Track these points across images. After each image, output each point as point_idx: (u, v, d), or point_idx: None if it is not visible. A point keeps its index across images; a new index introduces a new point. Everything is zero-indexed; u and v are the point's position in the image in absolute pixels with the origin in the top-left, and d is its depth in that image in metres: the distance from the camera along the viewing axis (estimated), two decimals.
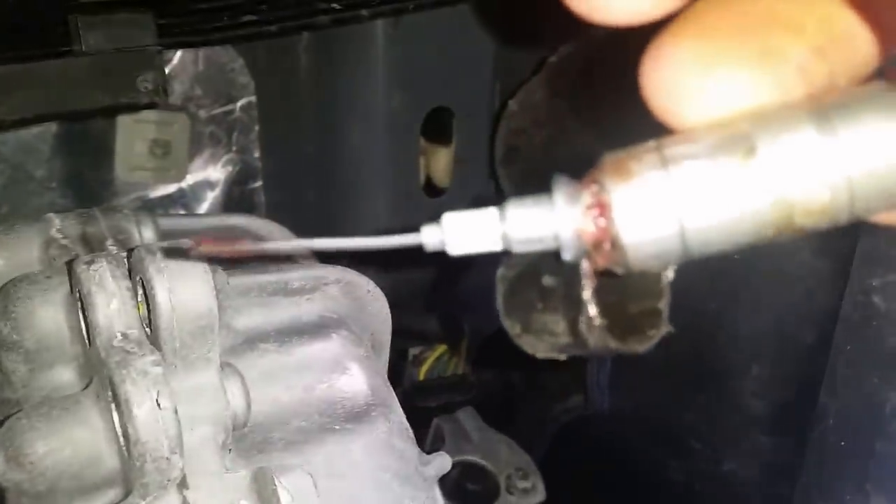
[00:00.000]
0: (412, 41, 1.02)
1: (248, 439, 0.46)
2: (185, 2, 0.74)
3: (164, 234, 0.54)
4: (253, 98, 1.11)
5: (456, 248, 0.27)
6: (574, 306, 0.28)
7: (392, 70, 1.02)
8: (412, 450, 0.54)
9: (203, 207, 1.12)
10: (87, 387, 0.41)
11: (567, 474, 1.17)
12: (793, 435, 0.80)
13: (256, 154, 1.14)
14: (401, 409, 0.57)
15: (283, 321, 0.53)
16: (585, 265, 0.26)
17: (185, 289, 0.40)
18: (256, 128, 1.13)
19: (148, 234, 0.50)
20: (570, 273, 0.27)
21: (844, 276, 0.69)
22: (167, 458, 0.38)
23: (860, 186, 0.23)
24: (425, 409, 1.13)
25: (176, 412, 0.39)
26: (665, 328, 0.29)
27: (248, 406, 0.43)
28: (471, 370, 1.21)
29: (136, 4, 0.71)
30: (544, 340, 0.29)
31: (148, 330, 0.41)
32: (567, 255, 0.25)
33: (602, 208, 0.24)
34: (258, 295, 0.52)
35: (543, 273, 0.28)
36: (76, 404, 0.40)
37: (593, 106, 0.96)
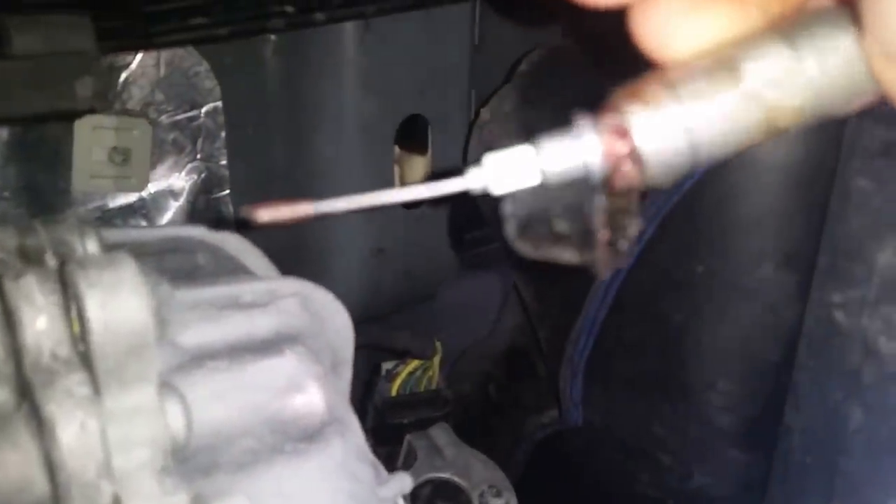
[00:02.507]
0: (384, 46, 1.02)
1: (193, 462, 0.45)
2: (129, 4, 0.74)
3: (111, 247, 0.54)
4: (219, 103, 1.10)
5: (499, 188, 0.31)
6: (585, 240, 0.33)
7: (364, 76, 1.02)
8: (368, 471, 0.53)
9: (166, 217, 1.12)
10: (20, 408, 0.40)
11: (541, 490, 1.17)
12: (762, 450, 0.81)
13: (223, 161, 1.13)
14: (359, 429, 0.56)
15: (235, 337, 0.52)
16: (600, 196, 0.31)
17: (119, 304, 0.39)
18: (223, 134, 1.12)
19: (92, 246, 0.49)
20: (580, 215, 0.32)
21: (808, 290, 0.70)
22: (95, 485, 0.38)
23: (823, 88, 0.29)
24: (398, 426, 1.13)
25: (105, 435, 0.38)
26: (637, 225, 0.33)
27: (190, 427, 0.43)
28: (445, 386, 1.22)
29: (74, 6, 0.70)
30: (549, 258, 0.34)
31: (81, 348, 0.41)
32: (595, 180, 0.31)
33: (622, 131, 0.30)
34: (207, 309, 0.52)
35: (553, 218, 0.33)
36: (7, 426, 0.39)
37: (563, 114, 0.97)
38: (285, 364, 0.52)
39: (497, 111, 1.05)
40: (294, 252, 1.12)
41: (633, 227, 0.33)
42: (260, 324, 0.54)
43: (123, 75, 1.04)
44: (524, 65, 1.06)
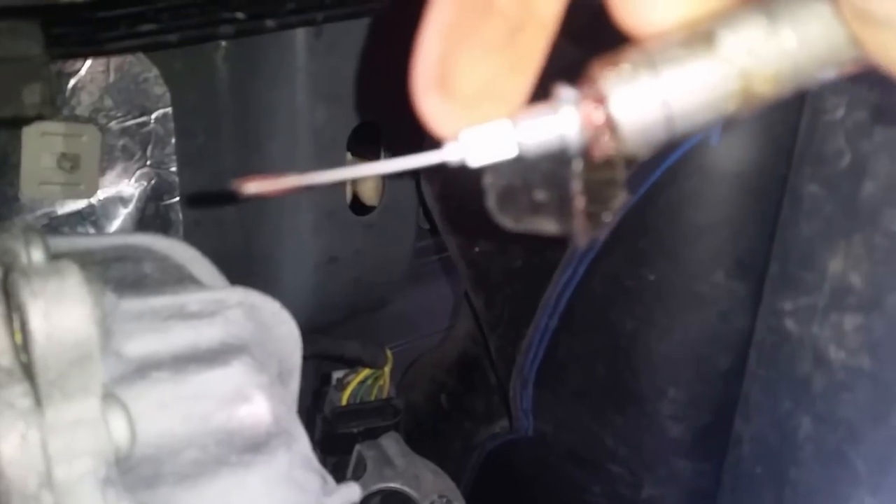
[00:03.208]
0: (336, 53, 1.02)
1: (136, 473, 0.45)
2: (78, 10, 0.73)
3: (57, 256, 0.53)
4: (169, 109, 1.09)
5: (477, 161, 0.32)
6: (562, 211, 0.33)
7: (315, 82, 1.02)
8: (315, 481, 0.53)
9: (115, 224, 1.10)
10: None
11: (492, 501, 1.17)
12: (713, 459, 0.81)
13: (173, 168, 1.12)
14: (306, 439, 0.56)
15: (180, 347, 0.51)
16: (577, 165, 0.32)
17: (62, 314, 0.38)
18: (173, 140, 1.11)
19: (37, 255, 0.48)
20: (560, 181, 0.32)
21: (759, 298, 0.70)
22: (36, 496, 0.37)
23: (801, 56, 0.30)
24: (348, 435, 1.12)
25: (46, 446, 0.37)
26: (623, 196, 0.34)
27: (133, 438, 0.42)
28: (396, 395, 1.22)
29: (21, 13, 0.69)
30: (530, 229, 0.34)
31: (24, 358, 0.40)
32: (573, 152, 0.31)
33: (598, 101, 0.30)
34: (152, 319, 0.51)
35: (533, 187, 0.33)
36: None
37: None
38: (231, 374, 0.51)
39: None
40: (245, 260, 1.11)
41: (618, 198, 0.33)
42: (205, 334, 0.53)
43: (72, 81, 1.02)
44: None
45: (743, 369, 0.73)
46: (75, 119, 1.04)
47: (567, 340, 0.94)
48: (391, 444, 1.10)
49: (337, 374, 1.16)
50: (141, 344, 0.50)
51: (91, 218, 1.08)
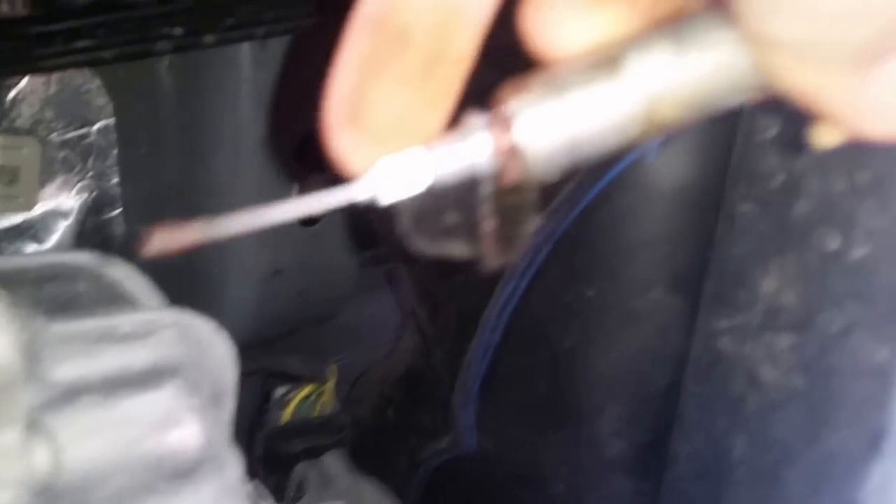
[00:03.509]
0: (281, 65, 1.01)
1: (63, 500, 0.44)
2: (13, 26, 0.72)
3: None
4: (111, 121, 1.08)
5: (389, 196, 0.31)
6: (473, 235, 0.33)
7: (261, 94, 1.01)
8: None
9: (54, 238, 1.09)
10: None
11: None
12: (652, 478, 0.82)
13: (114, 181, 1.11)
14: (238, 464, 0.56)
15: (110, 370, 0.50)
16: (486, 190, 0.32)
17: None
18: (115, 152, 1.10)
19: None
20: (470, 206, 0.32)
21: (696, 315, 0.71)
22: None
23: (705, 81, 0.30)
24: (289, 454, 1.11)
25: None
26: (535, 219, 0.34)
27: (58, 467, 0.41)
28: (340, 410, 1.21)
29: None
30: (443, 253, 0.34)
31: None
32: (484, 177, 0.31)
33: (505, 126, 0.30)
34: (82, 343, 0.50)
35: (445, 211, 0.33)
36: None
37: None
38: (162, 398, 0.51)
39: None
40: (188, 275, 1.10)
41: (529, 222, 0.33)
42: (137, 356, 0.52)
43: (12, 93, 1.01)
44: None
45: (681, 387, 0.74)
46: (15, 131, 1.02)
47: (509, 356, 0.95)
48: (334, 462, 1.10)
49: (279, 391, 1.15)
50: (70, 368, 0.49)
51: (30, 232, 1.06)
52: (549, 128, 0.30)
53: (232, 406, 0.62)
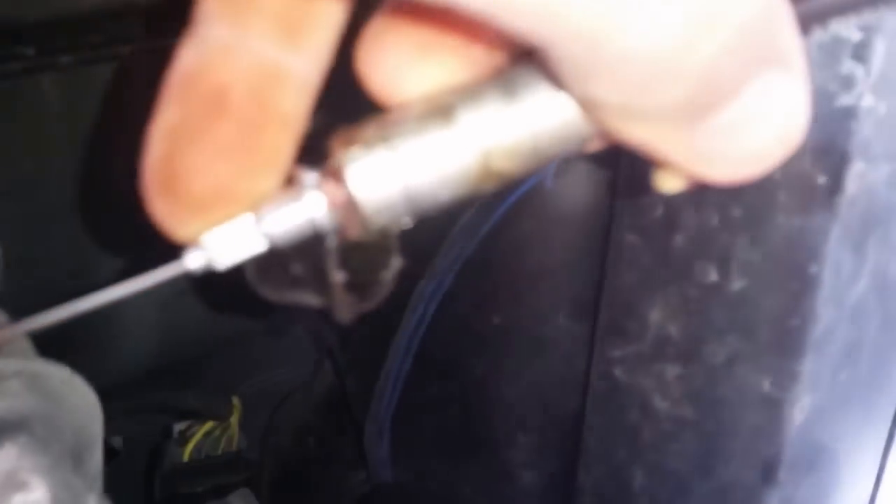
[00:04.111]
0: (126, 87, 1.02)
1: None
2: None
3: None
4: None
5: (222, 262, 0.32)
6: (323, 284, 0.34)
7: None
8: None
9: None
10: None
11: None
12: None
13: None
14: None
15: None
16: (331, 240, 0.32)
17: None
18: None
19: None
20: (316, 256, 0.33)
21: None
22: None
23: (538, 132, 0.32)
24: (191, 496, 1.11)
25: None
26: (396, 264, 0.35)
27: None
28: (246, 447, 1.21)
29: None
30: (294, 301, 0.35)
31: None
32: (325, 232, 0.32)
33: (338, 178, 0.31)
34: None
35: (289, 262, 0.34)
36: None
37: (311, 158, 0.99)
38: (3, 458, 0.50)
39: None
40: (78, 297, 1.11)
41: (389, 267, 0.34)
42: None
43: None
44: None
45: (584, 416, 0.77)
46: None
47: (420, 385, 0.97)
48: (241, 502, 1.11)
49: (178, 427, 1.15)
50: None
51: None
52: (382, 179, 0.31)
53: (100, 458, 0.62)
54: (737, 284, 0.60)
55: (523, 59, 0.32)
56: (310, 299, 0.34)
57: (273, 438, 1.29)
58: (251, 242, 0.32)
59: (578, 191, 0.79)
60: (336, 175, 0.31)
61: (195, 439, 1.13)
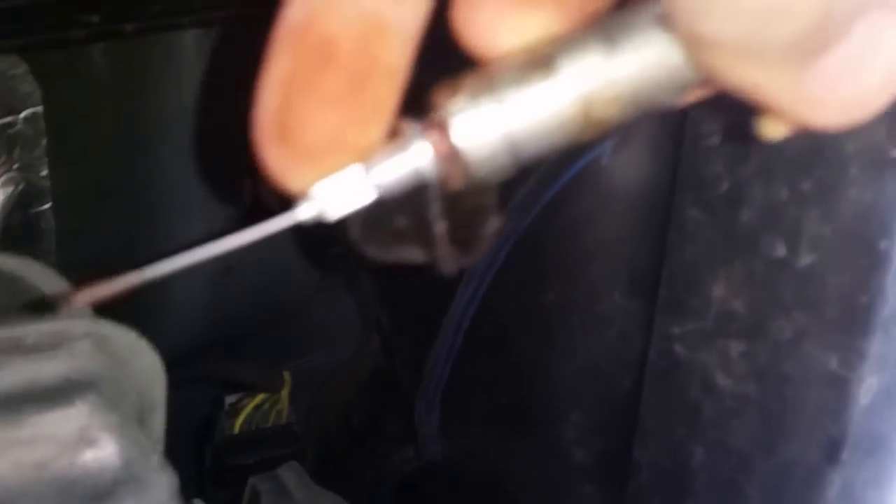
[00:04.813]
0: (226, 52, 1.03)
1: None
2: None
3: None
4: (39, 108, 1.09)
5: (333, 213, 0.33)
6: (427, 238, 0.35)
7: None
8: None
9: None
10: None
11: None
12: (617, 485, 0.85)
13: (44, 173, 1.12)
14: (164, 485, 0.55)
15: (15, 386, 0.51)
16: (434, 192, 0.33)
17: None
18: (43, 142, 1.11)
19: None
20: (419, 208, 0.34)
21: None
22: None
23: (639, 80, 0.32)
24: (241, 467, 1.12)
25: None
26: (495, 221, 0.36)
27: None
28: (296, 420, 1.22)
29: None
30: (396, 259, 0.36)
31: None
32: (429, 182, 0.33)
33: (443, 130, 0.32)
34: None
35: (395, 216, 0.35)
36: None
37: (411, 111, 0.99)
38: (74, 415, 0.51)
39: None
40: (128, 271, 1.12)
41: (488, 224, 0.36)
42: (46, 369, 0.53)
43: None
44: None
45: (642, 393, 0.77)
46: None
47: (472, 361, 0.97)
48: (290, 475, 1.09)
49: (229, 399, 1.15)
50: None
51: None
52: (487, 129, 0.32)
53: (162, 421, 0.63)
54: (805, 260, 0.59)
55: (622, 5, 0.33)
56: (413, 254, 0.35)
57: (317, 416, 1.30)
58: (360, 193, 0.33)
59: (636, 167, 0.79)
60: (441, 125, 0.32)
61: (246, 411, 1.14)
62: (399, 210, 0.34)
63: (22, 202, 1.11)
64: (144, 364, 0.60)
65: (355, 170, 0.33)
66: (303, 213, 0.33)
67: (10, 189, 1.10)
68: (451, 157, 0.33)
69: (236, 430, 1.14)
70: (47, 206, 1.13)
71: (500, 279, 0.90)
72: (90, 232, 1.12)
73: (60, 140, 1.11)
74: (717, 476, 0.69)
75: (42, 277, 0.67)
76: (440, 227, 0.35)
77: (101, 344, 0.57)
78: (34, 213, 1.12)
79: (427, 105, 0.33)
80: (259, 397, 1.16)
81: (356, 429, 1.31)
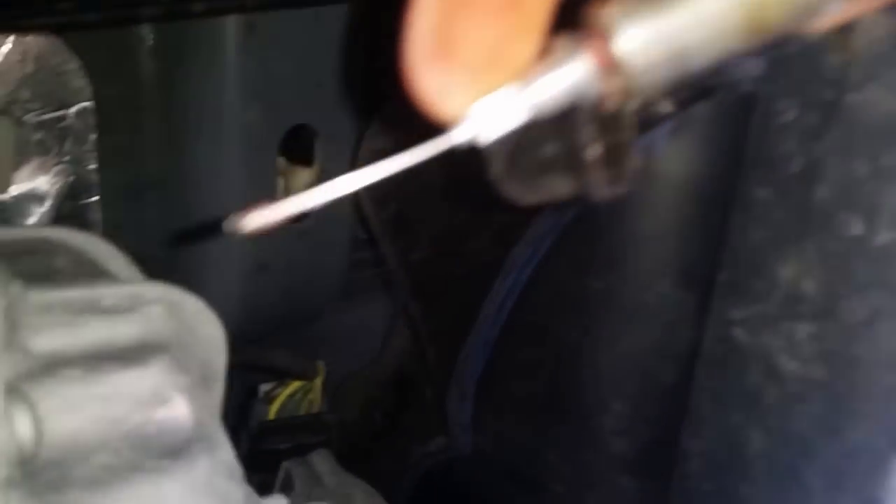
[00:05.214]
0: (270, 50, 1.00)
1: (42, 476, 0.43)
2: None
3: None
4: (89, 104, 1.07)
5: (489, 135, 0.30)
6: (575, 165, 0.32)
7: (247, 81, 1.00)
8: (238, 491, 0.52)
9: (28, 223, 1.08)
10: None
11: None
12: (657, 476, 0.81)
13: (92, 166, 1.10)
14: (229, 447, 0.55)
15: (93, 344, 0.50)
16: (586, 111, 0.31)
17: None
18: (92, 137, 1.09)
19: None
20: (569, 133, 0.31)
21: (705, 309, 0.70)
22: None
23: None
24: (275, 452, 1.09)
25: None
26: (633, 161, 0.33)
27: (40, 438, 0.40)
28: (328, 409, 1.20)
29: None
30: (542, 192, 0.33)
31: None
32: (583, 101, 0.30)
33: (605, 40, 0.29)
34: (63, 313, 0.49)
35: (541, 144, 0.32)
36: None
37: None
38: (148, 374, 0.50)
39: (387, 122, 1.04)
40: (167, 266, 1.08)
41: (628, 161, 0.33)
42: (122, 330, 0.51)
43: None
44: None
45: (689, 383, 0.73)
46: None
47: (508, 351, 0.94)
48: (321, 461, 1.08)
49: (264, 387, 1.14)
50: (50, 339, 0.48)
51: (3, 215, 1.05)
52: (648, 37, 0.29)
53: (221, 389, 0.61)
54: (884, 237, 0.55)
55: None
56: (561, 185, 0.33)
57: (340, 412, 1.26)
58: (515, 113, 0.30)
59: (688, 154, 0.75)
60: (601, 35, 0.30)
61: (280, 399, 1.13)
62: (546, 138, 0.32)
63: (71, 193, 1.10)
64: (209, 332, 0.60)
65: (511, 89, 0.30)
66: (459, 135, 0.31)
67: (60, 180, 1.09)
68: (613, 68, 0.30)
69: (271, 416, 1.12)
70: (95, 198, 1.11)
71: (543, 267, 0.86)
72: (132, 225, 1.12)
73: (107, 135, 1.10)
74: (777, 462, 0.64)
75: (104, 251, 0.64)
76: (594, 150, 0.32)
77: (173, 309, 0.56)
78: (82, 205, 1.11)
79: (581, 20, 0.30)
80: (292, 387, 1.14)
81: (378, 425, 1.28)
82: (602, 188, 0.32)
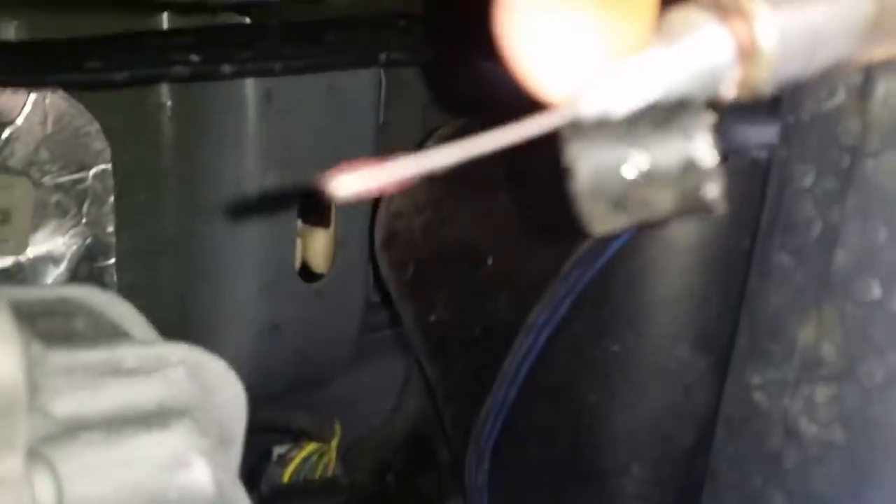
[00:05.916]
0: (288, 118, 1.02)
1: None
2: (25, 43, 0.72)
3: None
4: (108, 166, 1.08)
5: (619, 107, 0.27)
6: (689, 167, 0.29)
7: (266, 148, 1.02)
8: None
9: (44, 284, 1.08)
10: None
11: None
12: None
13: (110, 229, 1.11)
14: None
15: (114, 407, 0.50)
16: (698, 107, 0.29)
17: None
18: (111, 199, 1.10)
19: None
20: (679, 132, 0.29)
21: (723, 372, 0.70)
22: None
23: None
24: None
25: None
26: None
27: (60, 502, 0.40)
28: (342, 472, 1.19)
29: None
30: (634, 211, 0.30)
31: None
32: (722, 78, 0.28)
33: (745, 19, 0.27)
34: (84, 375, 0.49)
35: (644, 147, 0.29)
36: None
37: (470, 190, 0.99)
38: (170, 438, 0.50)
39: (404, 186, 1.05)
40: (181, 327, 1.09)
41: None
42: (143, 393, 0.51)
43: (7, 131, 1.01)
44: (433, 140, 1.06)
45: (707, 446, 0.72)
46: (7, 171, 1.02)
47: (526, 413, 0.94)
48: None
49: (279, 450, 1.13)
50: (70, 401, 0.48)
51: (19, 276, 1.05)
52: (792, 25, 0.28)
53: (238, 455, 0.61)
54: None
55: None
56: (663, 199, 0.30)
57: (351, 475, 1.25)
58: (649, 86, 0.27)
59: (706, 221, 0.75)
60: (743, 14, 0.28)
61: (295, 462, 1.11)
62: (648, 139, 0.29)
63: (88, 255, 1.11)
64: (230, 395, 0.59)
65: (644, 59, 0.27)
66: (586, 105, 0.27)
67: (77, 242, 1.10)
68: (752, 54, 0.28)
69: (285, 479, 1.10)
70: (111, 261, 1.12)
71: (562, 329, 0.86)
72: (147, 288, 1.12)
73: (125, 198, 1.11)
74: None
75: (124, 311, 0.64)
76: (713, 152, 0.29)
77: (195, 371, 0.56)
78: (99, 267, 1.11)
79: (720, 4, 0.28)
80: (307, 449, 1.13)
81: (391, 488, 1.27)
82: (714, 202, 0.30)
